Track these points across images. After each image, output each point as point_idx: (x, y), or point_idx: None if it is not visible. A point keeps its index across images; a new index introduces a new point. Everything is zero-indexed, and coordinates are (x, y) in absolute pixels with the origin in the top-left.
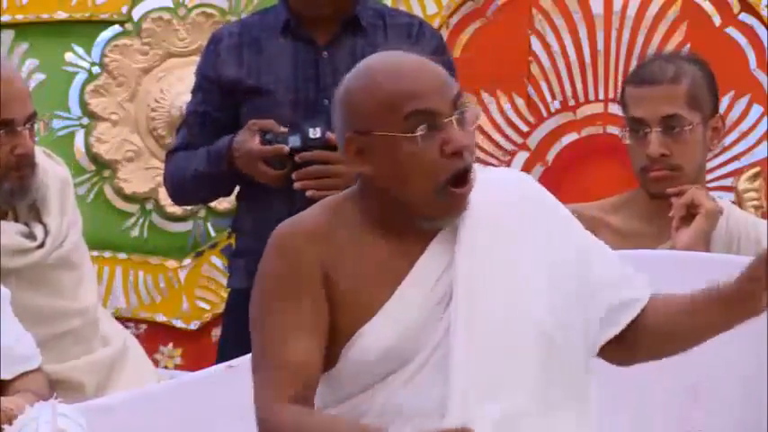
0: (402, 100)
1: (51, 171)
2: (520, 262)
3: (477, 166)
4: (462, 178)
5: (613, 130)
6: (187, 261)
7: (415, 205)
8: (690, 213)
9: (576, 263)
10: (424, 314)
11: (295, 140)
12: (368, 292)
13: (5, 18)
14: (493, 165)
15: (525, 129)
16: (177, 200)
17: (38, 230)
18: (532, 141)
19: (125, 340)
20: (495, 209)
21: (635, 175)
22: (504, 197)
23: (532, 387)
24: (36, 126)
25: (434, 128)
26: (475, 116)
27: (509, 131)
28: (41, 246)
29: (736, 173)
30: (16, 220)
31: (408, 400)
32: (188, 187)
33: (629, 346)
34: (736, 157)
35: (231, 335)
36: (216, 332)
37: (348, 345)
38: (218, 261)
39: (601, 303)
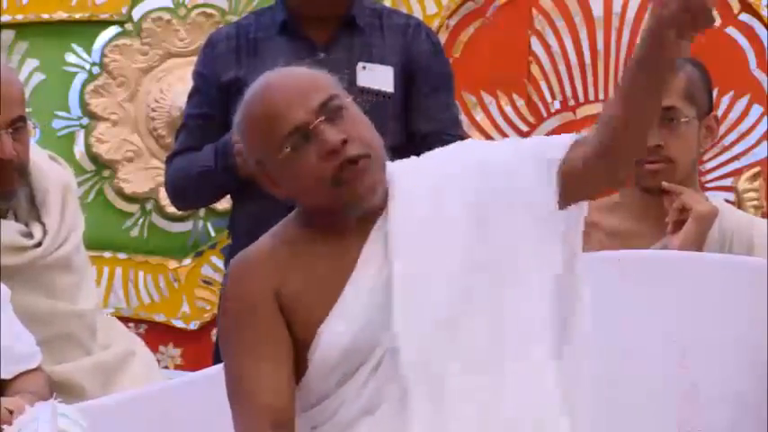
0: (269, 129)
1: (53, 174)
2: (446, 212)
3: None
4: (347, 167)
5: None
6: (187, 261)
7: (328, 206)
8: (683, 217)
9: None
10: (375, 301)
11: None
12: (320, 297)
13: (5, 18)
14: None
15: (525, 129)
16: (180, 202)
17: (36, 230)
18: None
19: (130, 346)
20: (413, 182)
21: None
22: (420, 167)
23: (487, 359)
24: (30, 129)
25: (306, 139)
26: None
27: (509, 131)
28: (39, 245)
29: (736, 173)
30: (17, 219)
31: (376, 390)
32: (193, 187)
33: (590, 161)
34: (736, 157)
35: None
36: (216, 332)
37: (312, 349)
38: (218, 261)
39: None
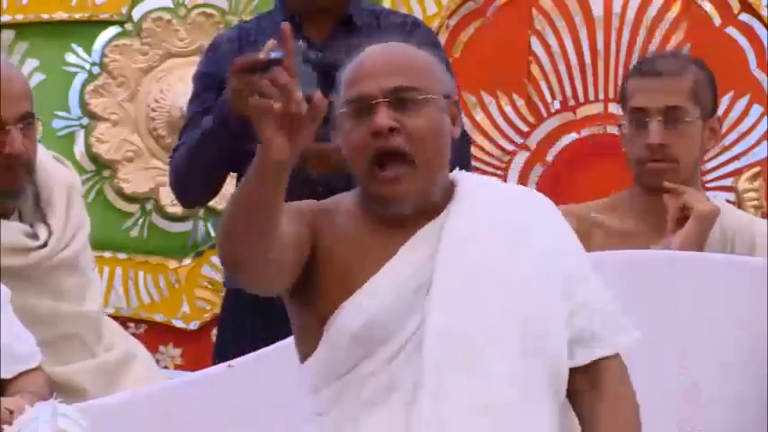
0: (347, 85)
1: (59, 174)
2: (506, 255)
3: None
4: (388, 159)
5: (613, 130)
6: (187, 261)
7: (361, 183)
8: (684, 216)
9: (560, 291)
10: (399, 300)
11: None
12: (352, 274)
13: (5, 18)
14: (493, 164)
15: (525, 129)
16: (182, 187)
17: (41, 231)
18: (532, 141)
19: (131, 348)
20: (489, 203)
21: (630, 166)
22: (502, 196)
23: (509, 375)
24: (38, 126)
25: (366, 111)
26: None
27: (509, 131)
28: (44, 246)
29: (736, 173)
30: (21, 220)
31: (385, 382)
32: (195, 161)
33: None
34: (736, 157)
35: (228, 335)
36: (216, 332)
37: (329, 322)
38: (218, 261)
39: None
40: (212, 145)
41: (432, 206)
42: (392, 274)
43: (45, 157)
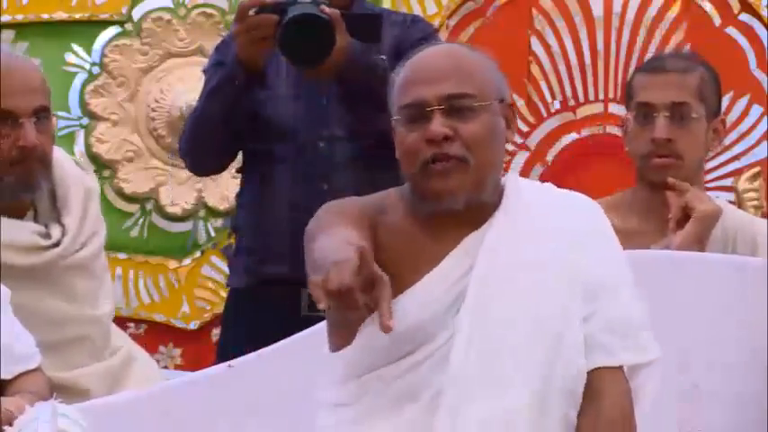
0: (403, 88)
1: (77, 177)
2: (539, 270)
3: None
4: (439, 160)
5: (613, 130)
6: (187, 261)
7: (411, 185)
8: (686, 216)
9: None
10: (437, 310)
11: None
12: (399, 276)
13: (5, 18)
14: None
15: (525, 129)
16: (189, 149)
17: (55, 230)
18: (532, 141)
19: (132, 350)
20: (529, 215)
21: (635, 162)
22: (545, 204)
23: (533, 388)
24: (54, 121)
25: (420, 117)
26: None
27: None
28: (57, 245)
29: (736, 173)
30: (36, 220)
31: (410, 386)
32: (202, 116)
33: None
34: (736, 157)
35: (231, 335)
36: (216, 332)
37: (370, 319)
38: (218, 261)
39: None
40: (217, 100)
41: (480, 210)
42: (435, 283)
43: (63, 157)
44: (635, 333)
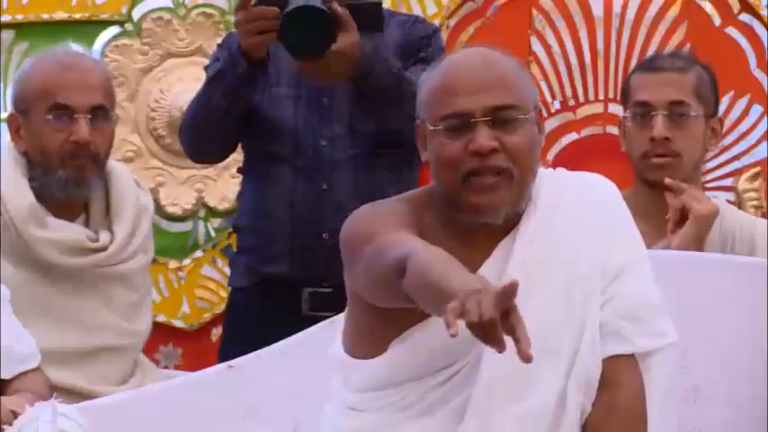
0: (441, 98)
1: (132, 190)
2: (563, 275)
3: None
4: (483, 172)
5: (613, 130)
6: (187, 261)
7: (448, 195)
8: (683, 216)
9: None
10: None
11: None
12: None
13: (5, 18)
14: None
15: None
16: (188, 135)
17: (104, 236)
18: None
19: (143, 361)
20: (554, 216)
21: (633, 162)
22: (564, 191)
23: (560, 386)
24: (113, 122)
25: (464, 127)
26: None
27: None
28: (103, 250)
29: (736, 173)
30: (87, 225)
31: (439, 397)
32: (202, 103)
33: None
34: (736, 157)
35: (232, 334)
36: (216, 332)
37: (399, 339)
38: (218, 261)
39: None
40: (219, 85)
41: (511, 216)
42: None
43: (122, 170)
44: (650, 317)
